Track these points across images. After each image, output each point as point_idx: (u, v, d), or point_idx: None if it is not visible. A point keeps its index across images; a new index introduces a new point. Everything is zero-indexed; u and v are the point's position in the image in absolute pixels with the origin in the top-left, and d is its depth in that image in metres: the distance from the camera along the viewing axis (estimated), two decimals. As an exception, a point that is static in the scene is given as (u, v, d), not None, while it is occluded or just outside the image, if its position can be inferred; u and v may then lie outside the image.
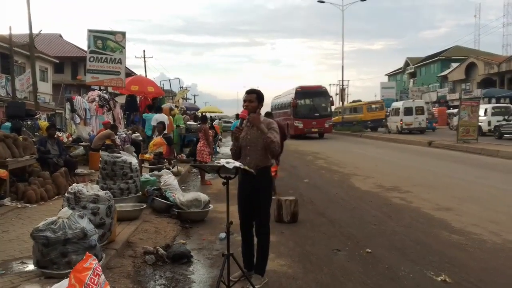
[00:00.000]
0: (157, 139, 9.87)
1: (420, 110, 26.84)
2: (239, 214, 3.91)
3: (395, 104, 29.71)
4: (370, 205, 7.10)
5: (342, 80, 43.68)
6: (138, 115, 16.45)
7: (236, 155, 3.85)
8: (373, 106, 34.96)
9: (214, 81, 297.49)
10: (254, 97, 3.78)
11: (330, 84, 70.34)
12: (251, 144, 3.79)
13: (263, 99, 3.88)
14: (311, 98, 26.04)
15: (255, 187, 3.75)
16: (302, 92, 26.03)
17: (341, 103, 42.45)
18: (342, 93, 43.11)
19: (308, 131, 25.90)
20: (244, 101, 3.79)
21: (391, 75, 62.67)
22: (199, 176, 10.37)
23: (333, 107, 30.90)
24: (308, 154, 16.88)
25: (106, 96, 14.09)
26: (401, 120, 27.08)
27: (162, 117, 12.56)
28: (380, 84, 49.92)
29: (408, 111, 27.03)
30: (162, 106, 15.65)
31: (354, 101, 44.54)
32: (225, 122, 46.58)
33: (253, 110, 3.77)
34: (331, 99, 26.73)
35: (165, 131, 11.08)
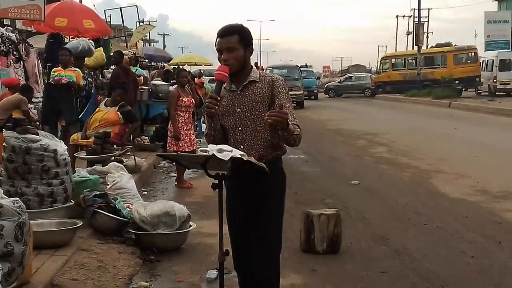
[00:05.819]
0: (108, 110, 9.38)
1: None
2: (232, 243, 3.91)
3: (487, 55, 32.31)
4: (464, 224, 7.12)
5: (419, 9, 43.12)
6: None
7: (215, 143, 3.76)
8: (461, 55, 35.26)
9: (197, 11, 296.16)
10: (235, 41, 3.68)
11: (397, 16, 69.11)
12: (244, 122, 3.74)
13: (252, 40, 3.78)
14: None
15: (258, 193, 3.75)
16: None
17: (416, 47, 42.10)
18: (417, 31, 42.62)
19: None
20: (219, 51, 3.70)
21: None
22: (173, 174, 10.43)
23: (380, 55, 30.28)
24: (358, 137, 16.85)
25: (13, 36, 14.11)
26: (495, 77, 29.98)
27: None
28: (484, 16, 49.16)
29: (505, 65, 29.44)
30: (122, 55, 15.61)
31: (438, 45, 43.91)
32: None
33: (238, 64, 3.69)
34: None
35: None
